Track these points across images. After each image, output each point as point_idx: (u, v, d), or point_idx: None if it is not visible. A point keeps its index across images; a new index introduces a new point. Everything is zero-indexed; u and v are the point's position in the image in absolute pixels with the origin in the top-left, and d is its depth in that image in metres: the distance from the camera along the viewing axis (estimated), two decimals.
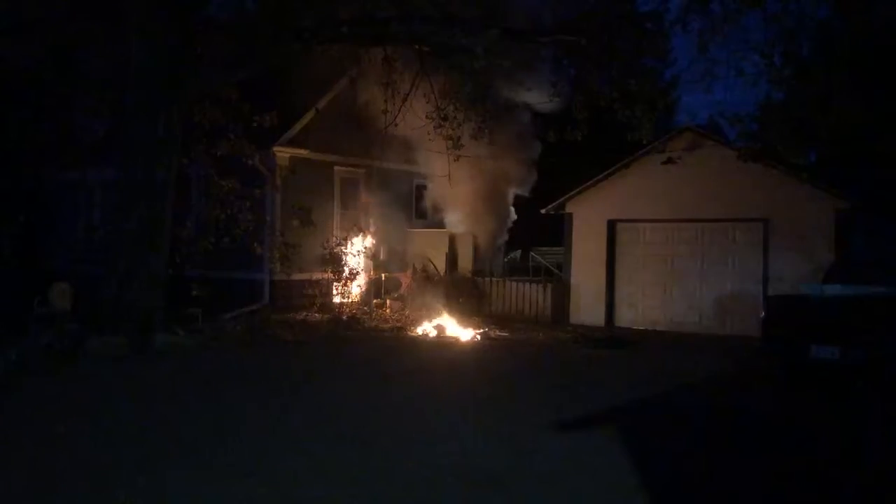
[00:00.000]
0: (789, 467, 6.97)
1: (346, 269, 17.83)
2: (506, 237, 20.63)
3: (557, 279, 18.64)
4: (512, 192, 20.28)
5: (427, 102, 14.18)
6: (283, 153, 17.07)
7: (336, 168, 18.53)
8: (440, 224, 19.68)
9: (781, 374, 11.13)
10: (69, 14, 14.30)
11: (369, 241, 18.77)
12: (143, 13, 13.14)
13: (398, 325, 16.27)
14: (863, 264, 13.03)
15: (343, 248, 17.91)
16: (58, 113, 16.63)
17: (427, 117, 14.15)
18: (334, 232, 18.17)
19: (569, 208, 17.99)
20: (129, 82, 13.34)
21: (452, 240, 19.07)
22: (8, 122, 15.65)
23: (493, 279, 18.51)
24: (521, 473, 6.59)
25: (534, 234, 21.14)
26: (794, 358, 10.77)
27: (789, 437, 8.12)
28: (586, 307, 17.52)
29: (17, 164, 17.53)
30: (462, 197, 18.67)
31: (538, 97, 15.83)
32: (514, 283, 18.38)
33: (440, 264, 18.80)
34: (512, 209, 20.50)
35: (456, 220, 19.36)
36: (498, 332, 15.58)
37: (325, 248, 17.67)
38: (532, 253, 21.58)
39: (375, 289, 18.67)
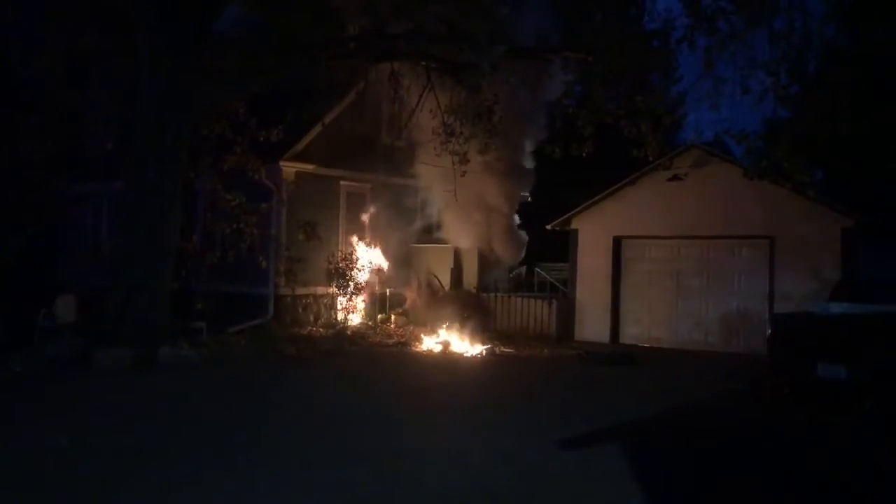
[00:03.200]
0: (797, 490, 6.91)
1: (351, 284, 17.84)
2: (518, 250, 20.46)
3: (563, 295, 18.60)
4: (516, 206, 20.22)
5: (434, 118, 14.22)
6: (289, 167, 17.13)
7: (342, 183, 18.57)
8: (445, 239, 19.67)
9: (788, 392, 11.05)
10: (80, 27, 14.41)
11: (374, 255, 18.77)
12: (152, 28, 13.24)
13: (402, 340, 16.25)
14: (869, 282, 12.97)
15: (348, 262, 17.92)
16: (67, 125, 16.73)
17: (433, 132, 14.20)
18: (339, 247, 18.20)
19: (574, 224, 17.98)
20: (138, 96, 13.42)
21: (457, 255, 19.06)
22: (18, 134, 15.74)
23: (498, 295, 18.47)
24: (526, 491, 6.55)
25: (539, 250, 21.11)
26: (801, 376, 10.70)
27: (796, 457, 8.05)
28: (591, 323, 17.47)
29: (27, 176, 17.61)
30: (468, 212, 18.67)
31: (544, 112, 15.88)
32: (519, 299, 18.35)
33: (445, 280, 18.79)
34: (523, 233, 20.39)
35: (461, 235, 19.35)
36: (503, 349, 15.53)
37: (330, 263, 17.69)
38: (537, 269, 21.56)
39: (380, 304, 18.66)
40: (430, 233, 20.31)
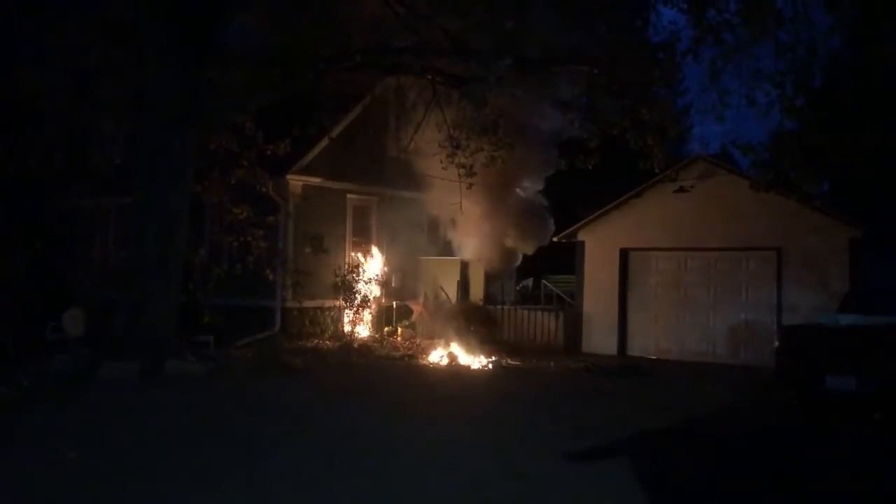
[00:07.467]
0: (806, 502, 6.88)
1: (358, 297, 17.85)
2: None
3: (569, 307, 18.57)
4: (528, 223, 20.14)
5: (440, 131, 14.26)
6: (296, 181, 17.18)
7: (349, 196, 18.61)
8: (452, 252, 19.66)
9: (796, 404, 11.00)
10: (88, 42, 14.50)
11: (381, 268, 18.78)
12: (159, 42, 13.33)
13: (409, 353, 16.23)
14: (877, 293, 12.93)
15: (355, 275, 17.93)
16: (75, 140, 16.80)
17: (440, 146, 14.23)
18: (346, 259, 18.22)
19: (581, 236, 17.98)
20: (146, 110, 13.50)
21: (464, 267, 19.05)
22: (26, 149, 15.82)
23: (505, 307, 18.45)
24: None
25: (546, 262, 21.09)
26: (809, 388, 10.66)
27: (805, 470, 8.01)
28: (598, 336, 17.43)
29: (35, 190, 17.69)
30: (474, 224, 18.67)
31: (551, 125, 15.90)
32: (525, 312, 18.33)
33: (452, 292, 18.77)
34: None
35: (468, 247, 19.34)
36: (510, 361, 15.49)
37: (336, 276, 17.70)
38: (544, 281, 21.53)
39: (387, 316, 18.65)
40: (436, 245, 20.31)
